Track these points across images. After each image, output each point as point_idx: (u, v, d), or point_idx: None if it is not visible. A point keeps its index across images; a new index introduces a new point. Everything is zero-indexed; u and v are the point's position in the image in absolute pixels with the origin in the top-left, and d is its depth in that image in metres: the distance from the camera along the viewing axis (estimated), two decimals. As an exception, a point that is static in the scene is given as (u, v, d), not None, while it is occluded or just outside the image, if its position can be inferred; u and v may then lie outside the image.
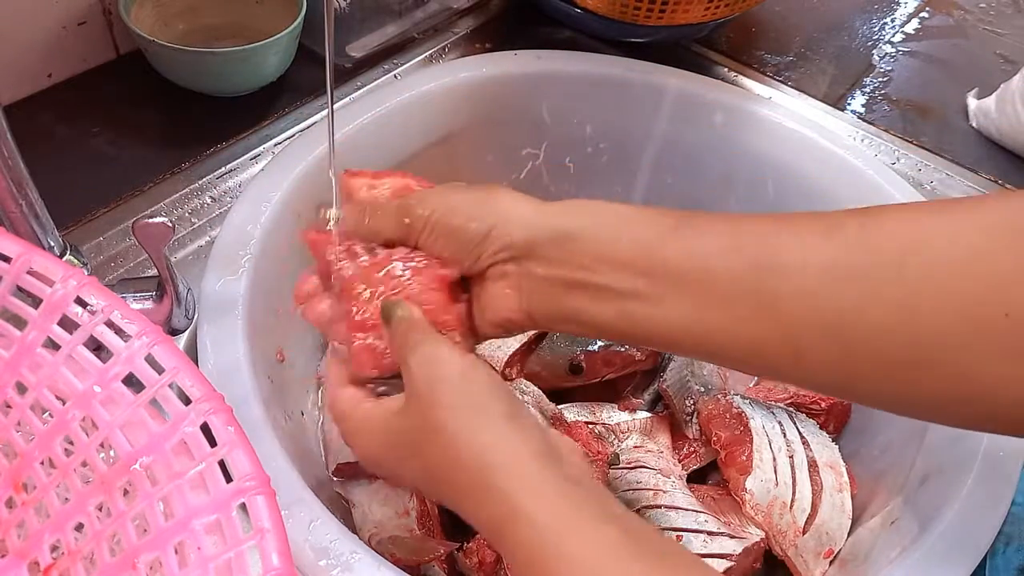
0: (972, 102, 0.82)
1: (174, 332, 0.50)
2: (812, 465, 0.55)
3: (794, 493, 0.54)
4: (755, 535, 0.52)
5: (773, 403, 0.61)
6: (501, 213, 0.39)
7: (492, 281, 0.40)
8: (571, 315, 0.39)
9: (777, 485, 0.53)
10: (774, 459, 0.55)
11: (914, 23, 0.95)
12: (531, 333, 0.59)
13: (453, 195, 0.41)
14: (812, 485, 0.54)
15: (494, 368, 0.56)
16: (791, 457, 0.55)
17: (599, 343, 0.58)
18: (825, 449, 0.57)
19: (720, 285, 0.35)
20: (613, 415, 0.60)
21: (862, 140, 0.77)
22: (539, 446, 0.35)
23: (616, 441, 0.58)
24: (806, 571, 0.52)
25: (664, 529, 0.51)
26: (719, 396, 0.59)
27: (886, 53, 0.90)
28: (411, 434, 0.37)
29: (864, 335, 0.33)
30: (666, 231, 0.37)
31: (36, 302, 0.36)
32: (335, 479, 0.55)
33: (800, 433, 0.57)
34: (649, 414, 0.60)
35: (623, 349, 0.58)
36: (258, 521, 0.30)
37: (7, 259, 0.36)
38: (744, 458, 0.54)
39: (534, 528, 0.32)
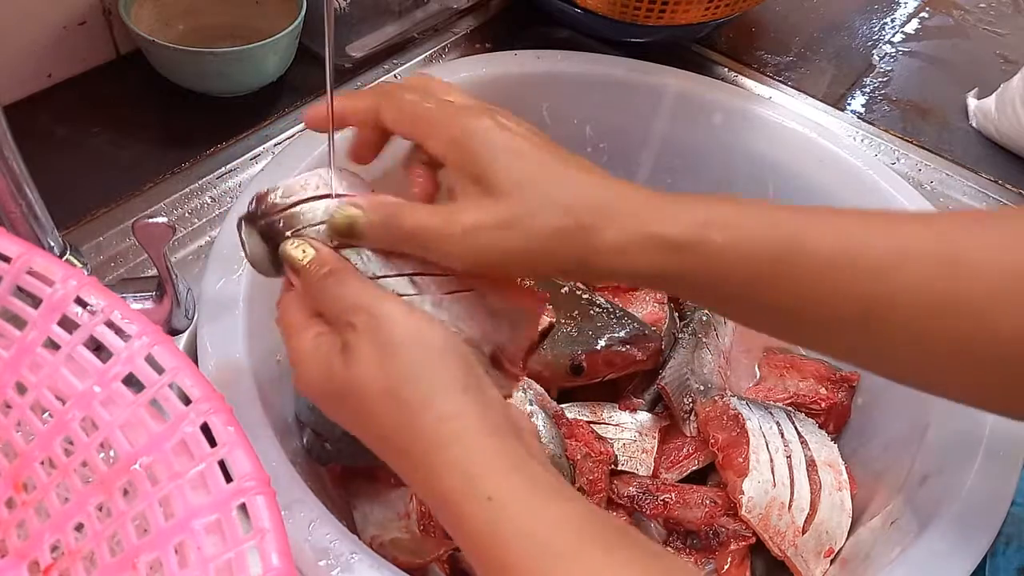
0: (972, 102, 0.82)
1: (174, 332, 0.50)
2: (811, 464, 0.55)
3: (792, 493, 0.54)
4: None
5: (772, 403, 0.61)
6: None
7: None
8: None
9: (775, 486, 0.53)
10: (771, 460, 0.55)
11: (914, 23, 0.95)
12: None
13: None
14: (811, 484, 0.54)
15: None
16: (788, 457, 0.55)
17: (601, 343, 0.58)
18: (824, 448, 0.57)
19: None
20: (614, 415, 0.60)
21: (862, 140, 0.77)
22: (497, 419, 0.34)
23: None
24: (806, 571, 0.52)
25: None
26: (716, 398, 0.59)
27: (886, 53, 0.90)
28: (356, 393, 0.34)
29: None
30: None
31: (36, 302, 0.36)
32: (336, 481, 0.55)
33: (798, 432, 0.57)
34: (650, 415, 0.60)
35: (624, 349, 0.58)
36: (258, 521, 0.30)
37: (7, 259, 0.36)
38: (741, 460, 0.54)
39: (489, 505, 0.31)
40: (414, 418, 0.33)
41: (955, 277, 0.34)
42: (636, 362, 0.59)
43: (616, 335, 0.58)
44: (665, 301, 0.64)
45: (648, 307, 0.64)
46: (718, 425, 0.57)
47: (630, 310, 0.62)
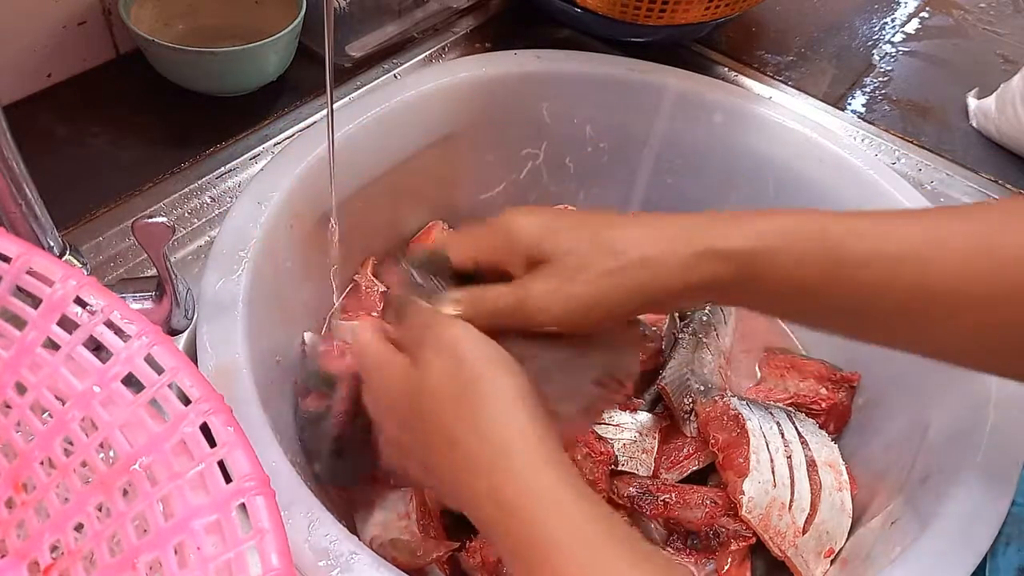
0: (972, 102, 0.82)
1: (173, 332, 0.50)
2: (811, 464, 0.55)
3: (793, 493, 0.54)
4: None
5: (772, 403, 0.61)
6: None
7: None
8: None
9: (775, 486, 0.53)
10: (771, 460, 0.54)
11: (914, 23, 0.95)
12: None
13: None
14: (811, 484, 0.54)
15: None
16: (789, 457, 0.55)
17: None
18: (824, 448, 0.57)
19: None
20: (614, 415, 0.60)
21: (862, 140, 0.77)
22: (554, 438, 0.37)
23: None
24: (806, 571, 0.52)
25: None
26: (717, 398, 0.59)
27: (886, 53, 0.90)
28: (427, 398, 0.38)
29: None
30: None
31: (36, 302, 0.36)
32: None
33: (799, 433, 0.57)
34: (650, 415, 0.60)
35: None
36: (257, 521, 0.30)
37: (7, 259, 0.36)
38: (741, 460, 0.54)
39: (537, 521, 0.34)
40: (482, 426, 0.36)
41: (991, 265, 0.36)
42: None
43: None
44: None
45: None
46: (718, 425, 0.57)
47: (630, 310, 0.62)
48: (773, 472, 0.54)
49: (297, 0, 0.69)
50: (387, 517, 0.52)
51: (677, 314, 0.64)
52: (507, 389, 0.37)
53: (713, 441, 0.56)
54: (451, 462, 0.37)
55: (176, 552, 0.32)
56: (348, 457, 0.50)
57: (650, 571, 0.33)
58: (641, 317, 0.61)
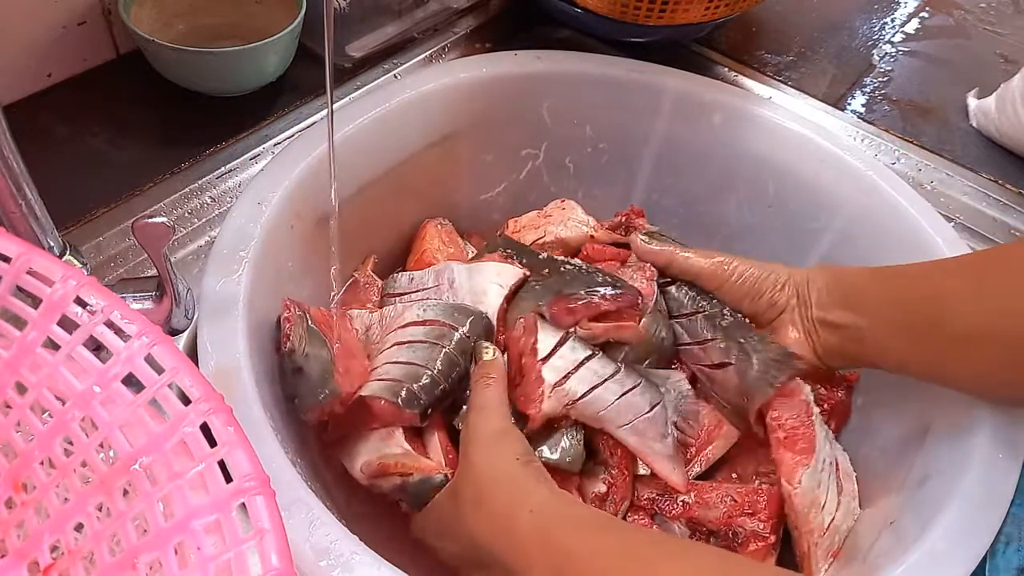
0: (972, 102, 0.82)
1: (174, 332, 0.50)
2: (836, 467, 0.55)
3: (827, 495, 0.53)
4: None
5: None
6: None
7: (783, 330, 0.55)
8: (834, 350, 0.54)
9: (819, 486, 0.53)
10: (823, 461, 0.54)
11: (914, 23, 0.95)
12: (510, 287, 0.58)
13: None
14: (837, 488, 0.54)
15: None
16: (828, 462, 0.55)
17: (563, 292, 0.56)
18: (839, 454, 0.57)
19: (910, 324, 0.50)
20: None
21: (862, 140, 0.77)
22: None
23: None
24: (817, 571, 0.52)
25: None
26: (786, 380, 0.55)
27: (886, 53, 0.90)
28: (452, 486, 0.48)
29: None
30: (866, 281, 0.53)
31: (36, 302, 0.36)
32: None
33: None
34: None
35: (586, 296, 0.55)
36: (258, 521, 0.30)
37: (7, 259, 0.36)
38: (804, 446, 0.53)
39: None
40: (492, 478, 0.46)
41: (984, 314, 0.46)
42: (608, 314, 0.56)
43: (582, 288, 0.56)
44: (653, 278, 0.61)
45: (637, 283, 0.62)
46: (788, 404, 0.55)
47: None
48: (820, 471, 0.53)
49: (297, 0, 0.69)
50: (372, 445, 0.52)
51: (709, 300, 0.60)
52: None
53: (774, 416, 0.54)
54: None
55: (176, 552, 0.32)
56: (309, 374, 0.50)
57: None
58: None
